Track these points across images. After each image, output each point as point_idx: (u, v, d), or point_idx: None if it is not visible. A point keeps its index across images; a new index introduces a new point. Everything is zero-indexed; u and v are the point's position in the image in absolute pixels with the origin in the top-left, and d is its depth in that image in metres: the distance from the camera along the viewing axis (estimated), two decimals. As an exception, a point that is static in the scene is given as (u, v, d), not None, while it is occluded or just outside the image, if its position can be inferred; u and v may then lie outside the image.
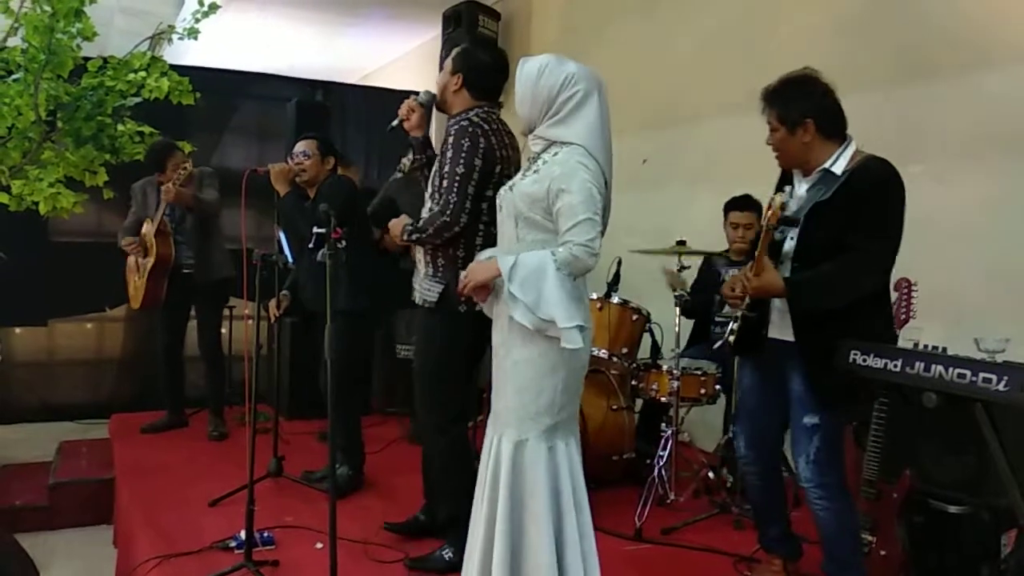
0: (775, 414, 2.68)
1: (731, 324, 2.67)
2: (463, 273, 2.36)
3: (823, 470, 2.42)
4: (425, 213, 2.78)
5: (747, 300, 2.48)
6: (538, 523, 2.18)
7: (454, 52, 2.88)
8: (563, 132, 2.25)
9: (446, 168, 2.68)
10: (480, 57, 2.85)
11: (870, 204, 2.30)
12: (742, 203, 3.87)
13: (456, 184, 2.64)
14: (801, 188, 2.48)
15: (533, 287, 2.14)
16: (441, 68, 2.93)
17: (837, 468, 2.44)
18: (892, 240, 2.35)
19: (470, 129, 2.69)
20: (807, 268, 2.38)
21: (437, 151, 2.86)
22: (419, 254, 2.84)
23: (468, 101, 2.80)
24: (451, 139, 2.69)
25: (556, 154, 2.25)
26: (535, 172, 2.27)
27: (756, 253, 2.40)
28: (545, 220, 2.24)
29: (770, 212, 2.32)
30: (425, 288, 2.77)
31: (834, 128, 2.41)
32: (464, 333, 2.74)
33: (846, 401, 2.51)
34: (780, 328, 2.49)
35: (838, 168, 2.38)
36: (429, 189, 2.82)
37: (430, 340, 2.81)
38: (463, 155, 2.65)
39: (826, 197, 2.37)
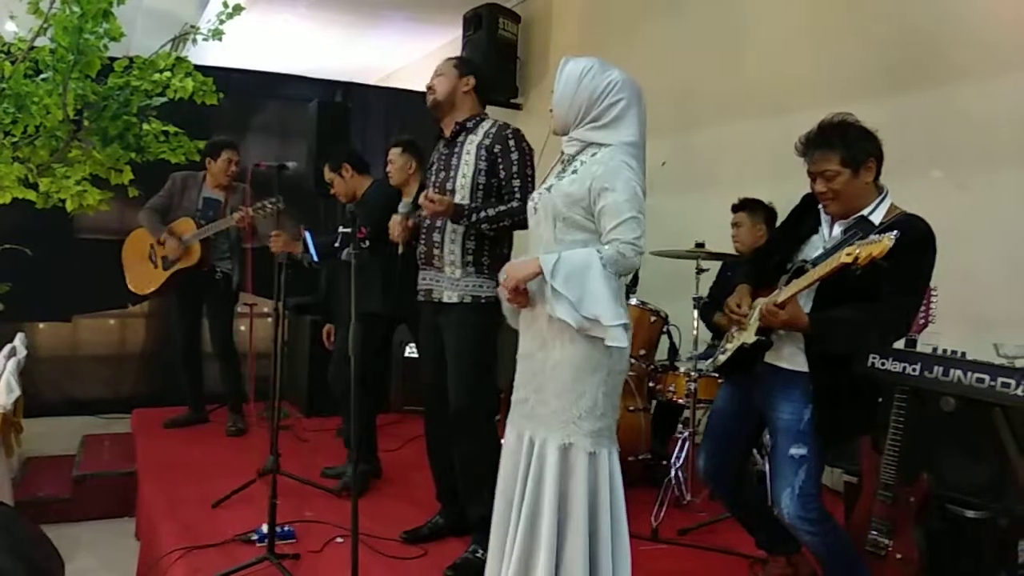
0: (740, 441, 2.69)
1: (724, 343, 2.63)
2: (501, 275, 2.34)
3: (807, 504, 2.38)
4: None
5: (758, 323, 2.42)
6: (576, 527, 2.16)
7: (451, 59, 3.04)
8: (604, 136, 2.25)
9: (515, 168, 2.84)
10: (483, 67, 3.10)
11: (908, 262, 2.27)
12: (737, 205, 3.90)
13: (530, 183, 2.82)
14: (836, 230, 2.44)
15: (577, 284, 2.12)
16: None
17: (819, 498, 2.42)
18: (920, 300, 2.36)
19: (521, 133, 2.90)
20: (826, 307, 2.35)
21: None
22: (449, 253, 2.85)
23: (476, 106, 2.97)
24: (512, 142, 2.86)
25: (595, 154, 2.25)
26: (573, 172, 2.27)
27: (791, 287, 2.34)
28: (586, 220, 2.23)
29: (862, 253, 2.14)
30: (474, 285, 2.81)
31: (880, 172, 2.40)
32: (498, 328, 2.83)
33: (851, 431, 2.51)
34: (775, 354, 2.46)
35: (876, 218, 2.36)
36: (459, 190, 2.85)
37: (483, 335, 2.85)
38: (528, 157, 2.87)
39: None
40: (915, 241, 2.28)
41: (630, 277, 3.87)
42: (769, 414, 2.49)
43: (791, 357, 2.43)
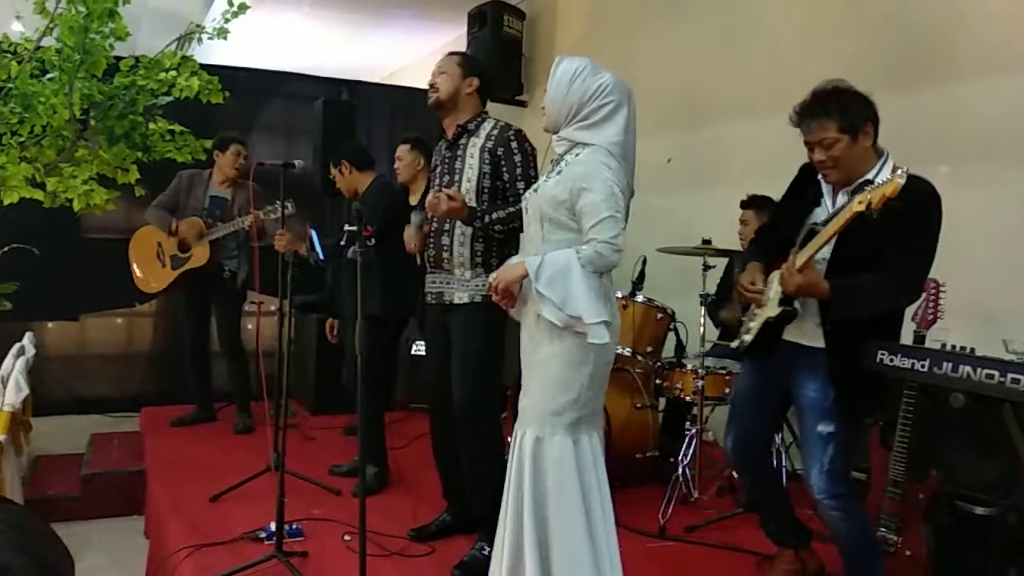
0: (766, 419, 2.69)
1: (747, 323, 2.60)
2: (492, 276, 2.41)
3: (836, 480, 2.38)
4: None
5: (780, 295, 2.40)
6: (566, 516, 2.21)
7: (457, 56, 3.00)
8: (589, 136, 2.31)
9: (518, 170, 2.83)
10: (486, 67, 3.06)
11: (916, 223, 2.26)
12: (746, 202, 3.89)
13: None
14: (840, 198, 2.41)
15: (560, 285, 2.20)
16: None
17: (848, 477, 2.43)
18: (931, 260, 2.35)
19: (523, 134, 2.88)
20: (840, 275, 2.32)
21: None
22: (459, 256, 2.84)
23: (478, 106, 2.96)
24: (515, 144, 2.84)
25: (578, 155, 2.31)
26: (558, 174, 2.32)
27: (808, 248, 2.31)
28: (570, 220, 2.28)
29: (874, 197, 2.10)
30: (484, 284, 2.79)
31: (877, 136, 2.38)
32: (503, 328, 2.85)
33: (869, 411, 2.50)
34: (797, 331, 2.44)
35: (880, 180, 2.30)
36: (464, 185, 2.85)
37: (489, 334, 2.85)
38: (531, 158, 2.86)
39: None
40: (921, 201, 2.26)
41: (637, 274, 3.90)
42: (795, 391, 2.49)
43: (812, 334, 2.41)
